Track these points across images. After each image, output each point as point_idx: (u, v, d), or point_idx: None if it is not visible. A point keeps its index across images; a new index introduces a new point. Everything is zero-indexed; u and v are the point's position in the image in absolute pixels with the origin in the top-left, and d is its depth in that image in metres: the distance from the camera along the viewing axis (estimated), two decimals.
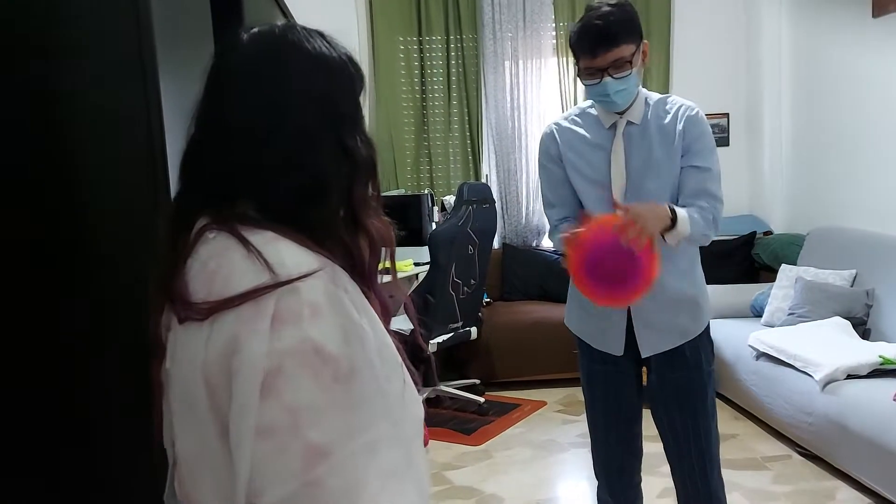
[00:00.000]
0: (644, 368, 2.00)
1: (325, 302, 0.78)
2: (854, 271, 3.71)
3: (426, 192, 4.78)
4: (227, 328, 0.76)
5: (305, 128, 0.84)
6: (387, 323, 0.90)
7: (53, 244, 1.32)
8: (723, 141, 5.10)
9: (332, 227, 0.85)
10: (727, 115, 5.09)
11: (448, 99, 4.99)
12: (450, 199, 4.61)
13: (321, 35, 0.91)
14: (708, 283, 4.47)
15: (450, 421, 3.91)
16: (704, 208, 1.84)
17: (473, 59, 4.96)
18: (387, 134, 4.98)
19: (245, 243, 0.80)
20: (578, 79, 1.87)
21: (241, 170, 0.84)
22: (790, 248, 4.34)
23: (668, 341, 1.91)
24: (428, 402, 4.07)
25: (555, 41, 4.94)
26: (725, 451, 3.28)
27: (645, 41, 1.84)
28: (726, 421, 3.70)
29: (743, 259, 4.64)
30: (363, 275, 0.88)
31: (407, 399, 0.86)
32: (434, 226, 4.52)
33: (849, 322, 3.41)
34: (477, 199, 4.02)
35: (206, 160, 0.86)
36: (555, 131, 1.97)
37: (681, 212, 1.78)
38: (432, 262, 3.91)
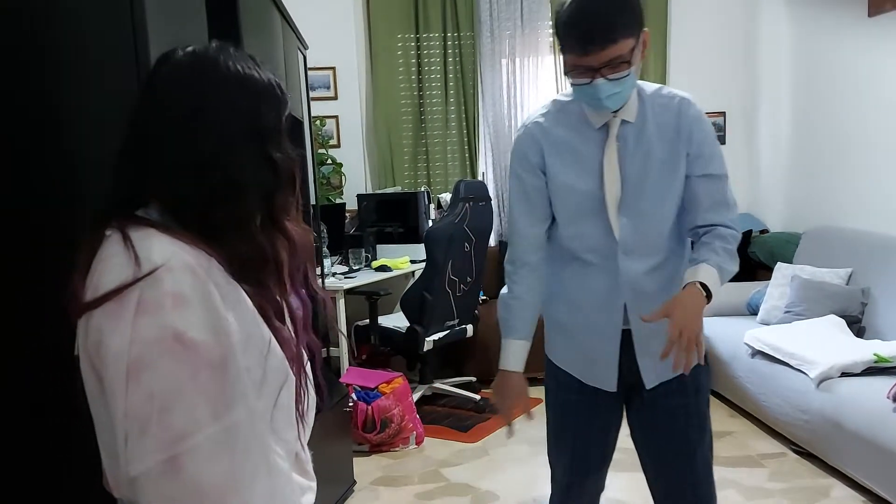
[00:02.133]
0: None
1: (191, 293, 0.83)
2: (850, 270, 3.72)
3: (423, 189, 4.78)
4: (95, 322, 0.84)
5: (226, 135, 0.91)
6: (295, 325, 0.98)
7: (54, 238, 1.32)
8: (719, 139, 5.09)
9: (241, 226, 0.92)
10: (724, 113, 5.09)
11: (445, 96, 4.99)
12: (446, 197, 4.61)
13: (251, 58, 0.98)
14: None
15: (446, 418, 3.91)
16: (726, 237, 1.63)
17: (471, 56, 4.95)
18: (384, 131, 4.98)
19: (125, 239, 0.86)
20: (566, 76, 1.55)
21: (152, 173, 0.91)
22: (786, 247, 4.34)
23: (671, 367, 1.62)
24: (424, 400, 4.07)
25: (552, 39, 4.93)
26: (721, 449, 3.30)
27: (645, 30, 1.54)
28: (722, 419, 3.71)
29: (739, 257, 4.63)
30: (280, 275, 0.95)
31: (266, 391, 0.91)
32: (430, 223, 4.52)
33: (844, 320, 3.42)
34: (473, 196, 4.02)
35: (124, 166, 0.93)
36: (535, 134, 1.66)
37: (711, 276, 1.54)
38: (429, 260, 3.91)
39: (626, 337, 1.67)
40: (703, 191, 1.63)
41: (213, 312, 0.84)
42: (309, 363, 1.04)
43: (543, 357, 1.81)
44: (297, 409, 0.99)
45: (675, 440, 1.69)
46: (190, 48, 0.95)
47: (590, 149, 1.62)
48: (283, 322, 0.95)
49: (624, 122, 1.61)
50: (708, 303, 1.53)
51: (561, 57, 1.60)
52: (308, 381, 1.04)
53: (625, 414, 1.77)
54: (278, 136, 0.97)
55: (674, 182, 1.62)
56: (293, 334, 0.97)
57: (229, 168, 0.91)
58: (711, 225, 1.64)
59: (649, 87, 1.66)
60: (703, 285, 1.53)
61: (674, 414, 1.68)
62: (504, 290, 1.74)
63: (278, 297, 0.95)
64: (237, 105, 0.92)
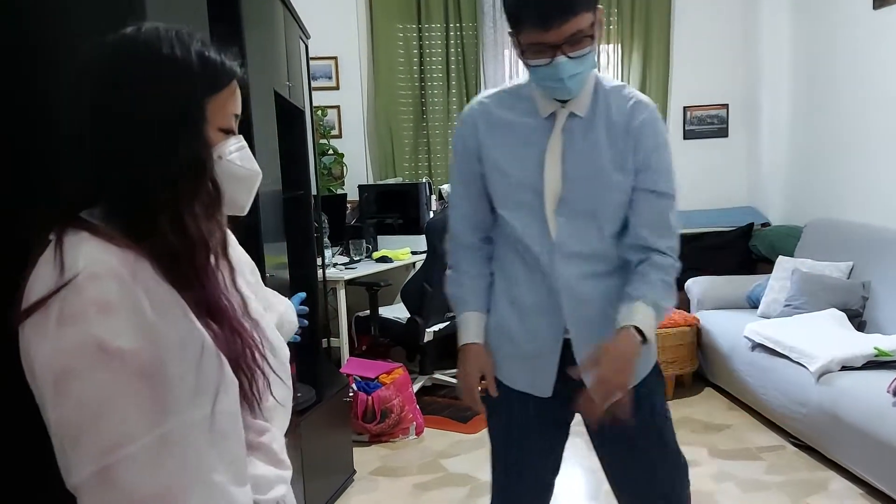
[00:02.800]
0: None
1: (117, 299, 0.80)
2: (851, 263, 3.72)
3: (424, 180, 4.78)
4: (26, 332, 0.82)
5: (127, 129, 0.86)
6: (219, 319, 0.91)
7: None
8: (722, 132, 5.09)
9: (150, 224, 0.87)
10: (726, 105, 5.08)
11: (447, 88, 4.97)
12: (447, 188, 4.60)
13: (174, 34, 0.91)
14: (705, 275, 4.43)
15: (446, 409, 3.92)
16: (665, 268, 1.50)
17: (473, 47, 4.94)
18: (385, 122, 4.97)
19: (57, 245, 0.84)
20: (520, 59, 1.45)
21: (84, 171, 0.88)
22: (787, 240, 4.34)
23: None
24: (424, 391, 4.08)
25: None
26: (719, 442, 3.31)
27: (600, 7, 1.41)
28: (721, 411, 3.72)
29: (740, 250, 4.64)
30: (195, 271, 0.89)
31: (202, 397, 0.87)
32: (431, 214, 4.52)
33: (844, 314, 3.42)
34: None
35: (67, 166, 0.90)
36: (474, 115, 1.56)
37: (647, 318, 1.44)
38: (429, 251, 3.92)
39: (568, 347, 1.56)
40: (645, 208, 1.50)
41: (141, 319, 0.81)
42: (276, 357, 1.01)
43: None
44: (255, 402, 0.95)
45: (634, 462, 1.62)
46: (105, 38, 0.91)
47: (533, 137, 1.50)
48: (215, 319, 0.91)
49: (572, 115, 1.49)
50: (642, 346, 1.44)
51: (512, 40, 1.46)
52: (279, 374, 1.00)
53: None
54: (186, 119, 0.89)
55: (620, 187, 1.49)
56: (232, 330, 0.93)
57: (131, 163, 0.86)
58: (647, 248, 1.51)
59: (610, 82, 1.54)
60: (639, 330, 1.43)
61: (630, 436, 1.57)
62: (448, 270, 1.66)
63: (201, 294, 0.90)
64: (131, 89, 0.87)
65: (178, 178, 0.88)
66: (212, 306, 0.91)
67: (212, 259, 0.92)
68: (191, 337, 0.87)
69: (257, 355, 0.95)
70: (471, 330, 1.59)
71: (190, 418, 0.85)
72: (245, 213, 1.02)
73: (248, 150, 0.99)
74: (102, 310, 0.79)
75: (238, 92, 0.97)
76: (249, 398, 0.95)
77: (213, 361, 0.89)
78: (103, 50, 0.90)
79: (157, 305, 0.83)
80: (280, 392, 1.02)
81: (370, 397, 3.42)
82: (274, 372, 0.99)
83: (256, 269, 1.17)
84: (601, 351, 1.43)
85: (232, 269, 0.98)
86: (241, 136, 0.98)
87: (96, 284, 0.80)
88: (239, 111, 0.98)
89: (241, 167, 0.97)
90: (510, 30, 1.44)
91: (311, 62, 3.55)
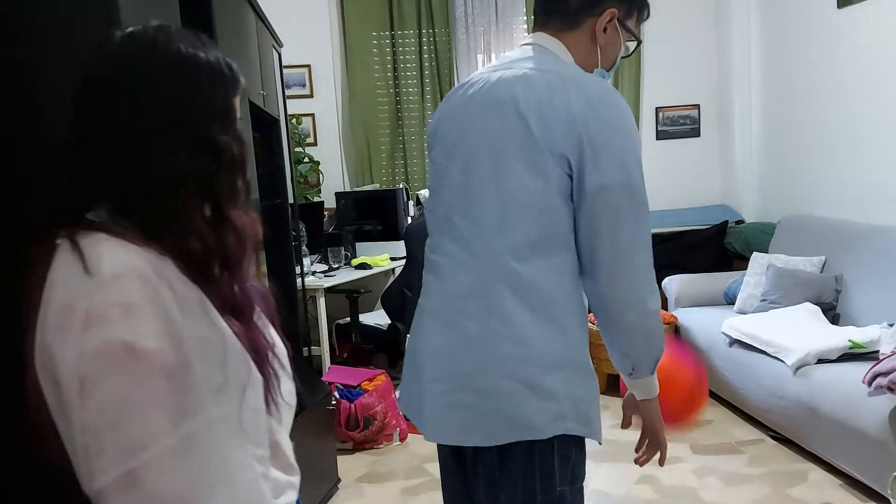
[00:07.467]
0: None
1: (140, 300, 0.80)
2: (823, 258, 3.78)
3: (401, 186, 4.78)
4: (49, 337, 0.81)
5: (158, 124, 0.87)
6: (244, 317, 0.92)
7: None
8: (694, 132, 5.16)
9: (178, 220, 0.87)
10: (698, 106, 5.15)
11: (422, 93, 4.99)
12: (424, 193, 4.61)
13: (197, 37, 0.93)
14: (682, 273, 4.46)
15: None
16: None
17: (446, 52, 4.96)
18: (361, 129, 4.97)
19: (74, 248, 0.83)
20: (625, 40, 1.52)
21: (94, 170, 0.87)
22: (761, 237, 4.41)
23: None
24: None
25: (527, 34, 4.95)
26: (701, 437, 3.35)
27: None
28: None
29: (715, 248, 4.71)
30: (229, 268, 0.90)
31: (229, 394, 0.87)
32: (409, 220, 4.53)
33: (819, 308, 3.48)
34: None
35: (67, 166, 0.89)
36: None
37: None
38: (408, 257, 3.92)
39: None
40: None
41: (166, 318, 0.81)
42: (281, 354, 1.02)
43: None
44: (271, 400, 0.96)
45: None
46: (128, 30, 0.91)
47: None
48: (239, 318, 0.92)
49: None
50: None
51: (623, 14, 1.46)
52: (284, 371, 1.01)
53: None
54: (225, 118, 0.91)
55: None
56: (255, 327, 0.94)
57: (166, 156, 0.86)
58: None
59: None
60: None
61: None
62: (658, 307, 1.34)
63: (229, 292, 0.90)
64: (175, 87, 0.88)
65: (218, 172, 0.89)
66: (236, 305, 0.91)
67: (244, 259, 0.92)
68: (216, 335, 0.87)
69: (270, 354, 0.96)
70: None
71: (213, 416, 0.85)
72: None
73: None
74: (126, 311, 0.79)
75: None
76: (267, 397, 0.96)
77: (239, 359, 0.89)
78: (127, 47, 0.89)
79: (182, 303, 0.83)
80: (287, 387, 1.03)
81: (353, 405, 3.41)
82: (283, 369, 1.00)
83: None
84: None
85: (258, 267, 0.99)
86: None
87: (119, 285, 0.80)
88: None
89: None
90: (639, 13, 1.50)
91: (285, 70, 3.55)
